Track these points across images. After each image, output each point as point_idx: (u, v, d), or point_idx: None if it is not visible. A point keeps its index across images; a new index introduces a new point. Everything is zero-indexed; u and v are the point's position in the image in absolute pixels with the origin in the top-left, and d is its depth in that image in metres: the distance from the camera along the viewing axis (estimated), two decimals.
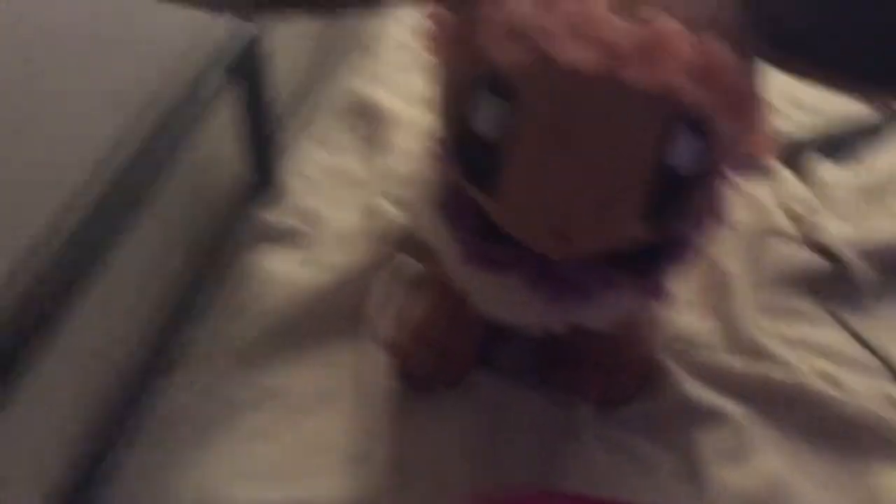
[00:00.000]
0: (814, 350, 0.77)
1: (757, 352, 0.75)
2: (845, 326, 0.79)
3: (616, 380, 0.72)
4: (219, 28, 0.77)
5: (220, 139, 0.88)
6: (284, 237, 0.88)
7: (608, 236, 0.51)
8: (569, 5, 0.44)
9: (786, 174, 0.95)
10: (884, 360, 0.76)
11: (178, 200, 0.80)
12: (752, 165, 0.68)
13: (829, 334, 0.79)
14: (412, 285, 0.79)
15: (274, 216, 0.90)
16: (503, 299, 0.62)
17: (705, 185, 0.51)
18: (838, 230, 0.85)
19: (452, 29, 0.52)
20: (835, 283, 0.83)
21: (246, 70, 0.85)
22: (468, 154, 0.51)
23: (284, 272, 0.82)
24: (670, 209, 0.50)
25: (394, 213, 0.86)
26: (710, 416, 0.69)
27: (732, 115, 0.47)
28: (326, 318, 0.77)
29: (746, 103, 0.48)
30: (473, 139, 0.49)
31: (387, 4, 0.53)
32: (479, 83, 0.48)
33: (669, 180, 0.48)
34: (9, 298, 0.52)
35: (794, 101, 1.04)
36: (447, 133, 0.54)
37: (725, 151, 0.50)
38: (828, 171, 0.96)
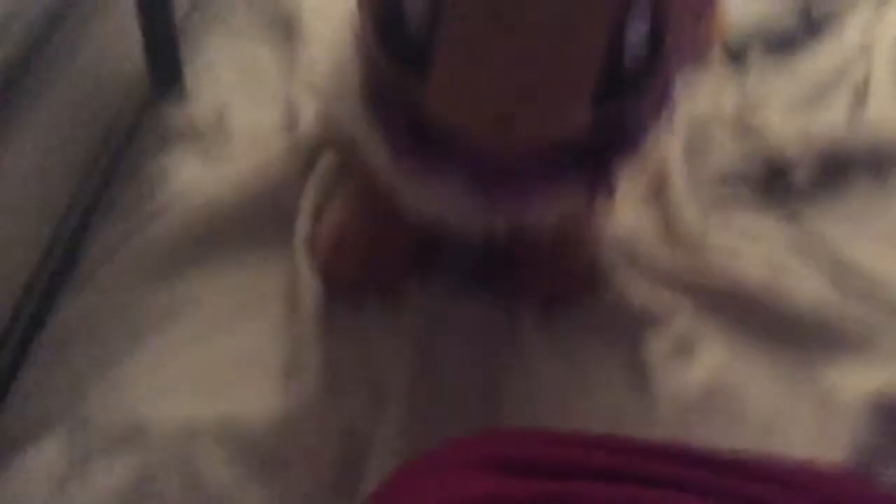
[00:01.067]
0: (757, 240, 0.75)
1: (699, 248, 0.72)
2: (788, 217, 0.77)
3: (560, 279, 0.68)
4: None
5: (120, 29, 0.79)
6: (194, 137, 0.80)
7: (555, 123, 0.47)
8: None
9: (725, 68, 0.91)
10: (827, 249, 0.74)
11: (78, 96, 0.73)
12: (701, 54, 0.65)
13: (772, 225, 0.76)
14: (338, 185, 0.73)
15: (181, 114, 0.82)
16: (437, 201, 0.57)
17: (656, 71, 0.47)
18: (779, 121, 0.83)
19: None
20: (777, 172, 0.80)
21: None
22: (398, 33, 0.47)
23: (193, 171, 0.76)
24: (621, 95, 0.46)
25: (314, 107, 0.79)
26: (654, 316, 0.67)
27: (682, 6, 0.43)
28: (244, 220, 0.72)
29: None
30: (400, 20, 0.45)
31: None
32: None
33: (620, 63, 0.44)
34: None
35: None
36: (374, 11, 0.48)
37: (680, 34, 0.46)
38: (767, 62, 0.93)
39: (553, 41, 0.42)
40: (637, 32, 0.44)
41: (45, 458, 0.57)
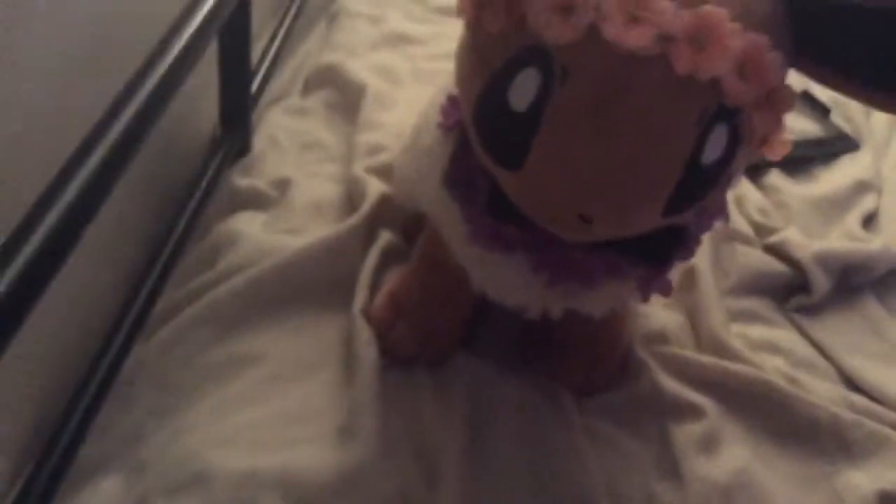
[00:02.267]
0: (773, 351, 0.80)
1: (722, 349, 0.77)
2: (802, 331, 0.83)
3: (598, 367, 0.73)
4: None
5: (196, 94, 0.85)
6: (256, 201, 0.86)
7: (630, 222, 0.52)
8: None
9: (746, 183, 0.99)
10: (836, 365, 0.80)
11: (153, 156, 0.77)
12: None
13: (787, 337, 0.82)
14: (395, 260, 0.78)
15: (245, 179, 0.88)
16: (505, 280, 0.62)
17: (726, 178, 0.52)
18: (797, 239, 0.89)
19: None
20: (792, 289, 0.87)
21: (231, 31, 0.82)
22: (495, 127, 0.51)
23: (259, 236, 0.80)
24: (692, 200, 0.52)
25: (375, 183, 0.85)
26: (683, 409, 0.72)
27: (768, 112, 0.49)
28: (305, 286, 0.76)
29: (782, 102, 0.49)
30: (504, 112, 0.49)
31: None
32: (521, 56, 0.48)
33: (697, 173, 0.49)
34: None
35: None
36: (471, 100, 0.52)
37: (749, 148, 0.52)
38: (785, 184, 1.00)
39: (643, 144, 0.47)
40: (716, 143, 0.48)
41: (102, 498, 0.60)
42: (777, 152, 0.56)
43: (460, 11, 0.53)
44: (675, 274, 0.83)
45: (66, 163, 0.52)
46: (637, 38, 0.45)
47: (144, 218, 0.78)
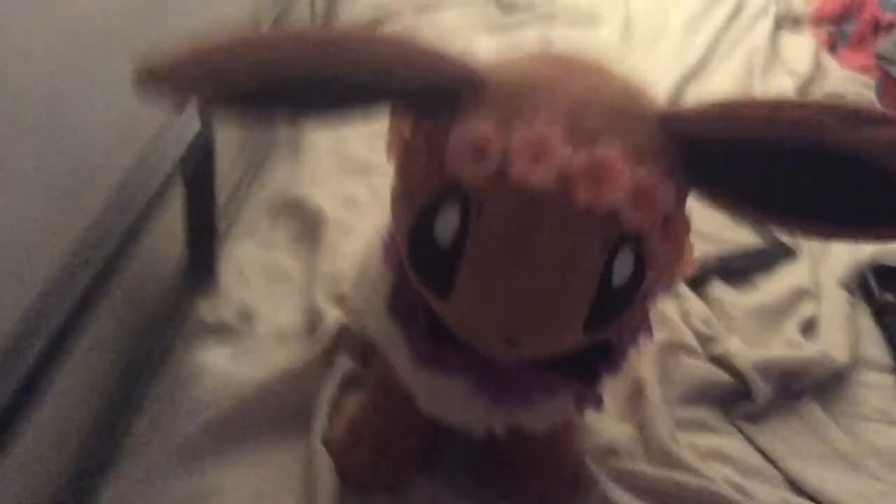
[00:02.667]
0: (721, 459, 0.83)
1: (672, 460, 0.80)
2: (747, 438, 0.86)
3: (550, 484, 0.76)
4: (173, 123, 0.80)
5: (163, 232, 0.90)
6: (221, 333, 0.90)
7: (554, 343, 0.57)
8: (527, 131, 0.51)
9: (690, 295, 1.04)
10: (781, 470, 0.83)
11: (119, 291, 0.81)
12: (674, 283, 0.75)
13: (733, 445, 0.86)
14: (354, 386, 0.82)
15: (211, 312, 0.92)
16: (450, 401, 0.66)
17: (638, 298, 0.57)
18: (739, 349, 0.94)
19: (413, 141, 0.57)
20: (737, 397, 0.90)
21: (192, 166, 0.87)
22: (424, 259, 0.56)
23: (222, 369, 0.84)
24: (609, 320, 0.56)
25: (333, 312, 0.89)
26: None
27: (665, 235, 0.54)
28: (267, 417, 0.79)
29: (675, 226, 0.55)
30: (431, 245, 0.54)
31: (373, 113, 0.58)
32: (441, 195, 0.54)
33: (610, 293, 0.54)
34: None
35: (697, 231, 1.14)
36: (403, 238, 0.58)
37: (656, 269, 0.57)
38: (726, 294, 1.05)
39: (555, 272, 0.52)
40: (623, 265, 0.53)
41: None
42: (686, 270, 0.61)
43: (389, 155, 0.59)
44: (618, 386, 0.88)
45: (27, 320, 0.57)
46: (540, 178, 0.50)
47: (110, 352, 0.81)
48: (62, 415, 0.71)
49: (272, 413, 0.79)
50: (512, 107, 0.53)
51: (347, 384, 0.83)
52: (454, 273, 0.54)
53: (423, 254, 0.56)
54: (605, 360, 0.63)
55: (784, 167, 0.52)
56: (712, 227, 1.13)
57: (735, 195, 0.55)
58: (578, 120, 0.52)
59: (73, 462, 0.72)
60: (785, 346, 0.97)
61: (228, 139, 1.09)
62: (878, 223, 0.51)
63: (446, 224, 0.54)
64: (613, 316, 0.56)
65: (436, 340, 0.61)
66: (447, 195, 0.54)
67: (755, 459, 0.84)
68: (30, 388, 0.57)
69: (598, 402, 0.66)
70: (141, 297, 0.87)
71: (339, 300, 0.91)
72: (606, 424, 0.85)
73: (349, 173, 1.21)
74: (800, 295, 1.05)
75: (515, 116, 0.52)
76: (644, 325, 0.66)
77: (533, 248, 0.52)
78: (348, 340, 0.86)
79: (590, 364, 0.62)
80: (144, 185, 0.74)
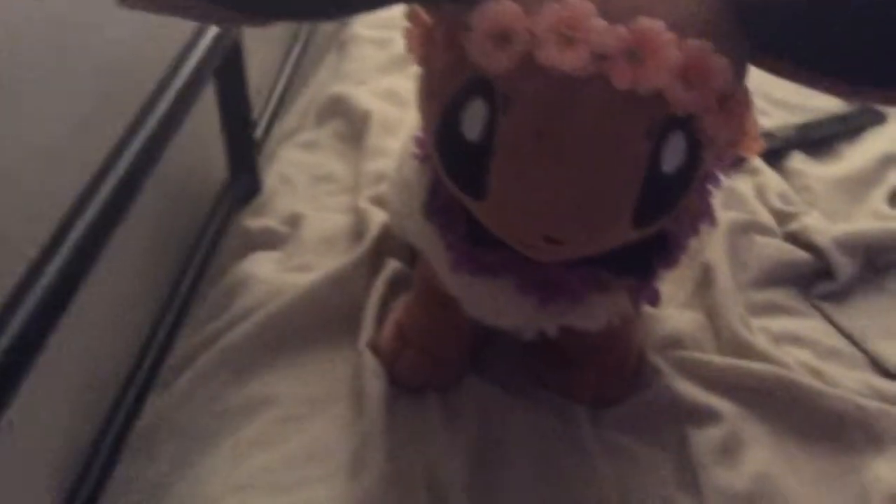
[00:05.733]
0: (798, 343, 0.78)
1: (743, 348, 0.75)
2: (828, 318, 0.80)
3: (609, 379, 0.72)
4: (205, 33, 0.76)
5: (201, 141, 0.87)
6: (268, 241, 0.88)
7: (599, 240, 0.52)
8: (554, 9, 0.45)
9: (766, 170, 0.96)
10: (865, 351, 0.77)
11: (162, 204, 0.80)
12: (737, 164, 0.69)
13: (812, 326, 0.80)
14: (402, 288, 0.79)
15: (257, 220, 0.90)
16: (494, 303, 0.62)
17: (694, 185, 0.51)
18: (818, 224, 0.87)
19: (433, 30, 0.52)
20: (816, 276, 0.84)
21: (227, 73, 0.84)
22: (454, 157, 0.51)
23: (270, 276, 0.82)
24: (660, 211, 0.51)
25: (379, 214, 0.86)
26: (701, 414, 0.70)
27: (720, 116, 0.47)
28: (315, 323, 0.77)
29: (733, 104, 0.48)
30: (460, 143, 0.49)
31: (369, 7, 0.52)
32: (466, 88, 0.49)
33: (659, 183, 0.48)
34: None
35: (771, 98, 1.06)
36: (432, 136, 0.53)
37: (714, 152, 0.51)
38: (807, 166, 0.97)
39: (594, 164, 0.46)
40: (674, 151, 0.47)
41: None
42: (752, 150, 0.54)
43: (409, 50, 0.54)
44: (685, 273, 0.82)
45: (67, 210, 0.55)
46: (572, 61, 0.44)
47: (157, 267, 0.81)
48: (110, 327, 0.71)
49: (320, 318, 0.77)
50: None
51: (395, 286, 0.80)
52: (487, 171, 0.49)
53: (452, 152, 0.51)
54: (661, 253, 0.57)
55: (850, 22, 0.44)
56: (790, 93, 1.04)
57: (800, 61, 0.47)
58: None
59: (124, 374, 0.73)
60: (870, 217, 0.89)
61: (263, 41, 1.05)
62: None
63: (473, 119, 0.48)
64: (666, 207, 0.51)
65: (475, 242, 0.57)
66: (472, 87, 0.48)
67: (836, 341, 0.78)
68: (69, 298, 0.55)
69: (655, 298, 0.61)
70: (185, 209, 0.86)
71: (383, 201, 0.87)
72: (672, 313, 0.80)
73: (393, 67, 1.16)
74: (888, 162, 0.97)
75: None
76: (705, 213, 0.60)
77: (568, 140, 0.46)
78: (394, 241, 0.82)
79: (644, 258, 0.57)
80: (176, 92, 0.70)
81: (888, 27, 0.43)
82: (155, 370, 0.75)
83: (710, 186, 0.60)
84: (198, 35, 0.74)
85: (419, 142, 0.62)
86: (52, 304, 0.52)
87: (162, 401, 0.72)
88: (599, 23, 0.44)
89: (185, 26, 0.74)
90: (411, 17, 0.53)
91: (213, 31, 0.76)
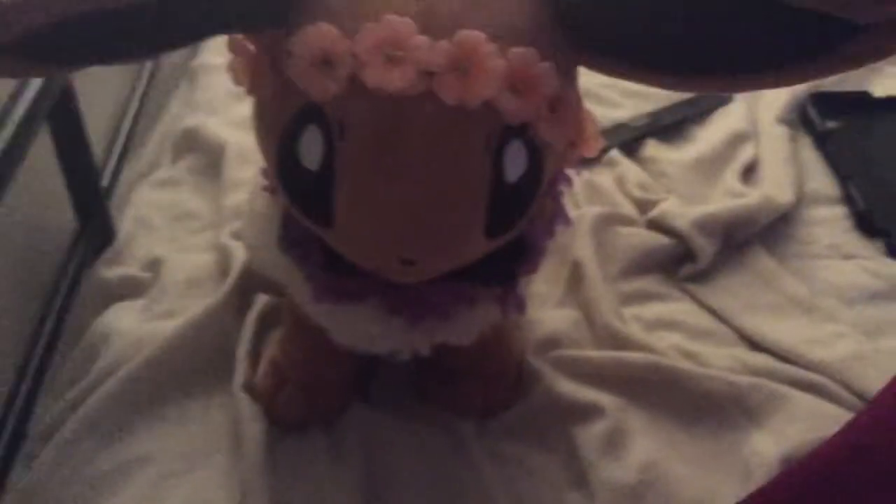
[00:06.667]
0: (670, 327, 0.80)
1: (618, 339, 0.76)
2: (695, 300, 0.82)
3: (492, 388, 0.71)
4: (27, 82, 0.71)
5: (43, 193, 0.83)
6: (128, 290, 0.83)
7: (453, 256, 0.51)
8: (373, 29, 0.44)
9: (624, 161, 0.98)
10: (734, 328, 0.80)
11: (8, 264, 0.75)
12: (588, 160, 0.70)
13: (682, 309, 0.82)
14: (274, 323, 0.76)
15: (114, 269, 0.85)
16: (362, 330, 0.60)
17: (541, 190, 0.51)
18: (677, 209, 0.89)
19: (257, 60, 0.50)
20: (680, 259, 0.86)
21: (61, 117, 0.79)
22: (296, 188, 0.50)
23: (132, 328, 0.77)
24: (511, 221, 0.51)
25: (241, 249, 0.82)
26: (584, 411, 0.70)
27: (554, 120, 0.48)
28: (184, 371, 0.73)
29: (565, 107, 0.48)
30: (300, 172, 0.48)
31: (191, 41, 0.49)
32: (298, 117, 0.47)
33: (506, 193, 0.48)
34: None
35: (621, 89, 1.08)
36: (273, 166, 0.51)
37: (555, 155, 0.51)
38: (661, 152, 1.00)
39: (435, 182, 0.46)
40: (515, 160, 0.47)
41: None
42: (591, 150, 0.55)
43: (236, 82, 0.52)
44: (556, 272, 0.83)
45: None
46: (399, 80, 0.44)
47: (9, 332, 0.75)
48: None
49: (190, 366, 0.73)
50: (354, 2, 0.45)
51: (267, 322, 0.77)
52: (331, 199, 0.47)
53: (293, 182, 0.50)
54: (521, 259, 0.57)
55: (682, 12, 0.45)
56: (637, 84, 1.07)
57: (632, 59, 0.48)
58: (434, 5, 0.44)
59: None
60: (726, 196, 0.92)
61: (101, 81, 1.00)
62: (804, 58, 0.44)
63: (310, 148, 0.47)
64: (516, 215, 0.51)
65: (334, 270, 0.56)
66: (305, 116, 0.47)
67: (706, 320, 0.81)
68: None
69: (521, 305, 0.61)
70: (34, 266, 0.81)
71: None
72: (547, 314, 0.81)
73: (244, 94, 1.12)
74: (738, 139, 1.01)
75: (360, 13, 0.45)
76: (559, 214, 0.61)
77: (407, 160, 0.46)
78: (262, 275, 0.79)
79: (505, 266, 0.57)
80: (5, 143, 0.66)
81: (720, 15, 0.44)
82: (15, 444, 0.69)
83: (561, 188, 0.60)
84: (23, 81, 0.70)
85: (265, 173, 0.60)
86: None
87: (28, 476, 0.67)
88: (422, 39, 0.44)
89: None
90: (233, 47, 0.51)
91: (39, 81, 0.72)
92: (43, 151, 0.80)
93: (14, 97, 0.68)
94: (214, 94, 1.12)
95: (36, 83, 0.70)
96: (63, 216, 0.86)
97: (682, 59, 0.47)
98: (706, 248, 0.85)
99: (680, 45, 0.46)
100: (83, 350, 0.77)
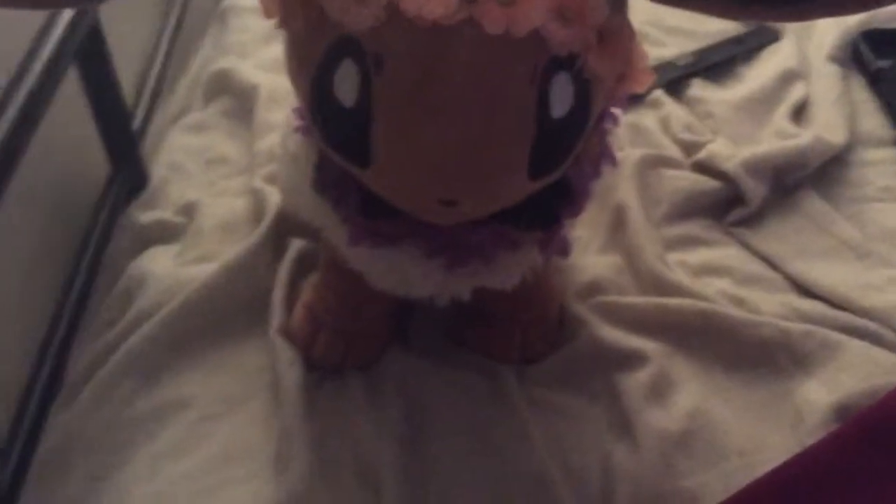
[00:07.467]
0: (717, 273, 0.77)
1: (663, 285, 0.74)
2: (744, 244, 0.80)
3: (532, 335, 0.70)
4: (58, 19, 0.69)
5: (75, 137, 0.82)
6: (163, 234, 0.82)
7: (496, 197, 0.49)
8: None
9: (668, 101, 0.94)
10: (784, 274, 0.77)
11: (42, 209, 0.75)
12: (632, 99, 0.67)
13: (729, 254, 0.79)
14: (309, 268, 0.75)
15: (148, 213, 0.84)
16: (400, 274, 0.58)
17: (588, 127, 0.49)
18: (725, 150, 0.85)
19: None
20: (728, 203, 0.83)
21: (91, 59, 0.78)
22: (332, 126, 0.48)
23: (168, 272, 0.77)
24: (557, 159, 0.48)
25: (275, 193, 0.81)
26: (628, 358, 0.69)
27: (603, 51, 0.45)
28: (221, 316, 0.73)
29: (615, 38, 0.45)
30: (335, 110, 0.46)
31: None
32: (333, 50, 0.45)
33: (552, 129, 0.46)
34: None
35: (664, 27, 1.04)
36: (306, 104, 0.49)
37: (603, 90, 0.48)
38: (708, 92, 0.96)
39: (478, 117, 0.43)
40: (562, 94, 0.45)
41: None
42: (641, 84, 0.52)
43: (267, 14, 0.49)
44: (599, 217, 0.81)
45: None
46: (439, 8, 0.41)
47: (44, 276, 0.75)
48: (9, 339, 0.67)
49: (226, 311, 0.73)
50: None
51: (302, 267, 0.75)
52: (368, 137, 0.45)
53: (329, 121, 0.48)
54: (565, 202, 0.55)
55: None
56: (683, 20, 1.03)
57: None
58: None
59: (19, 395, 0.68)
60: (775, 137, 0.88)
61: (130, 22, 0.98)
62: None
63: (346, 83, 0.45)
64: (562, 153, 0.48)
65: (371, 213, 0.54)
66: (339, 49, 0.44)
67: (755, 266, 0.78)
68: None
69: (565, 248, 0.59)
70: (68, 211, 0.80)
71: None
72: (590, 260, 0.78)
73: (278, 35, 1.09)
74: (788, 78, 0.96)
75: None
76: (605, 154, 0.58)
77: (447, 94, 0.43)
78: (296, 219, 0.78)
79: (548, 208, 0.54)
80: (33, 83, 0.64)
81: None
82: (53, 386, 0.70)
83: (607, 126, 0.57)
84: (51, 19, 0.68)
85: (299, 113, 0.58)
86: None
87: (67, 417, 0.67)
88: None
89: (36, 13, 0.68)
90: None
91: (67, 13, 0.70)
92: (74, 96, 0.78)
93: (41, 35, 0.66)
94: (245, 36, 1.10)
95: (63, 20, 0.69)
96: (95, 160, 0.85)
97: None
98: (755, 190, 0.81)
99: None
100: (119, 294, 0.76)
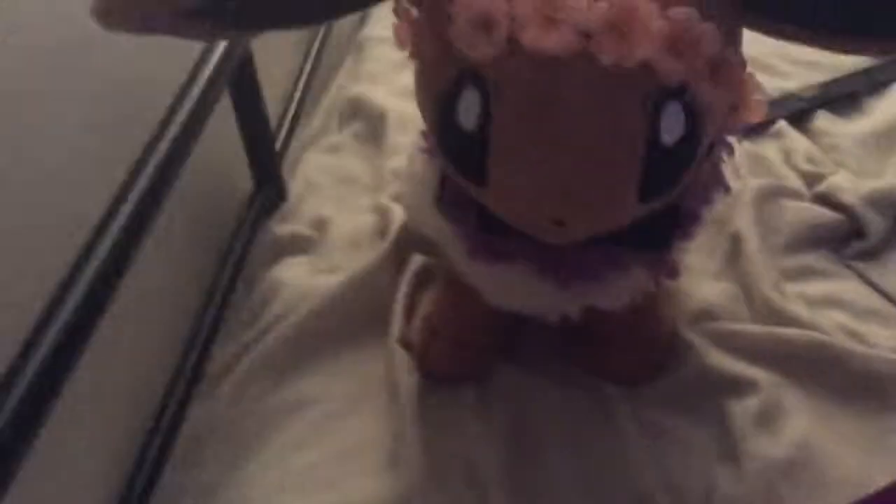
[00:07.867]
0: (834, 305, 0.77)
1: (777, 314, 0.74)
2: (862, 278, 0.79)
3: (641, 356, 0.72)
4: (215, 46, 0.76)
5: (224, 155, 0.89)
6: (297, 246, 0.89)
7: (606, 219, 0.51)
8: None
9: (791, 133, 0.94)
10: None
11: (191, 220, 0.82)
12: (745, 129, 0.68)
13: (847, 287, 0.79)
14: (428, 282, 0.80)
15: (284, 226, 0.91)
16: (514, 290, 0.62)
17: (699, 155, 0.51)
18: (847, 183, 0.85)
19: (420, 23, 0.52)
20: (848, 236, 0.82)
21: (242, 84, 0.85)
22: (454, 148, 0.52)
23: (299, 281, 0.83)
24: (666, 184, 0.50)
25: (401, 212, 0.86)
26: (737, 386, 0.69)
27: (714, 83, 0.47)
28: (346, 323, 0.78)
29: (727, 70, 0.47)
30: (457, 133, 0.50)
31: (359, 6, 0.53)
32: (457, 79, 0.49)
33: (661, 156, 0.48)
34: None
35: (790, 58, 1.03)
36: (431, 127, 0.54)
37: (714, 120, 0.50)
38: (833, 124, 0.95)
39: (590, 142, 0.46)
40: (672, 122, 0.47)
41: None
42: (754, 115, 0.54)
43: (399, 45, 0.54)
44: (714, 243, 0.81)
45: (91, 230, 0.57)
46: (557, 41, 0.45)
47: (190, 281, 0.83)
48: (147, 341, 0.73)
49: (351, 318, 0.78)
50: None
51: (422, 280, 0.80)
52: (486, 158, 0.49)
53: (451, 143, 0.52)
54: (676, 226, 0.57)
55: None
56: (808, 51, 1.01)
57: (799, 18, 0.47)
58: None
59: (164, 386, 0.74)
60: None
61: (277, 51, 1.07)
62: None
63: (468, 109, 0.49)
64: (671, 179, 0.50)
65: (488, 230, 0.58)
66: (463, 78, 0.48)
67: (873, 301, 0.77)
68: (96, 317, 0.56)
69: (674, 272, 0.60)
70: (214, 223, 0.88)
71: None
72: (703, 285, 0.79)
73: (409, 64, 1.16)
74: None
75: None
76: (718, 182, 0.59)
77: (561, 120, 0.46)
78: (418, 236, 0.83)
79: (660, 232, 0.57)
80: (191, 106, 0.71)
81: None
82: (195, 380, 0.77)
83: (721, 155, 0.59)
84: (209, 48, 0.76)
85: (425, 136, 0.63)
86: (81, 323, 0.54)
87: (205, 409, 0.74)
88: (580, 0, 0.44)
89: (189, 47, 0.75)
90: (398, 11, 0.54)
91: (223, 43, 0.77)
92: (224, 121, 0.86)
93: (200, 63, 0.74)
94: (378, 65, 1.17)
95: (219, 50, 0.76)
96: (241, 177, 0.92)
97: (853, 17, 0.45)
98: (876, 224, 0.80)
99: (848, 6, 0.45)
100: (255, 299, 0.83)
